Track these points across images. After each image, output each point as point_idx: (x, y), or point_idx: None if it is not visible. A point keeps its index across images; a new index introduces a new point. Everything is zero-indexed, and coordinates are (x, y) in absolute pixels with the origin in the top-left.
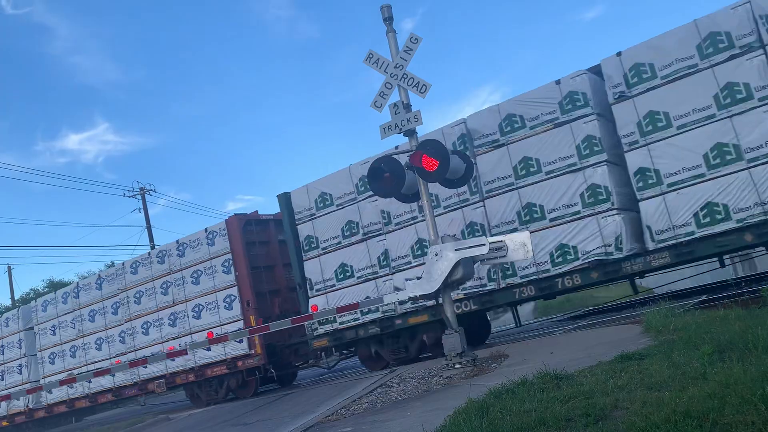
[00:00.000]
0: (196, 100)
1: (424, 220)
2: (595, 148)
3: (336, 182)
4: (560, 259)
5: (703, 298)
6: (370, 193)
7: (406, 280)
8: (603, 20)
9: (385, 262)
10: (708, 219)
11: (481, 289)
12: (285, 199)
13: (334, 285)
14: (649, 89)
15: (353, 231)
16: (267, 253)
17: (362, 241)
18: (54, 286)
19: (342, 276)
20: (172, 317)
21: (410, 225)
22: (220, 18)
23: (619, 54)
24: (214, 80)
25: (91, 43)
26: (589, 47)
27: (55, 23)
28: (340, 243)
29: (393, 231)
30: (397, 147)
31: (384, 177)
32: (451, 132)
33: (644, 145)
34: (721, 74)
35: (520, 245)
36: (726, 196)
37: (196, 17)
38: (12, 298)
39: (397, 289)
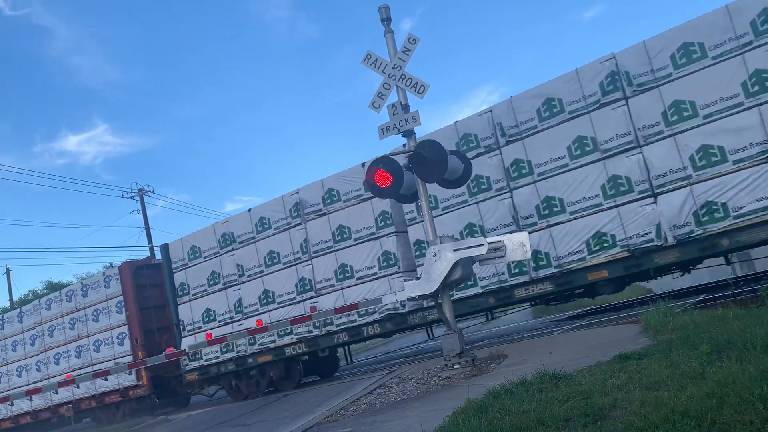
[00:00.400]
0: (196, 100)
1: (271, 274)
2: (388, 222)
3: (204, 237)
4: (363, 312)
5: (702, 297)
6: (231, 248)
7: (405, 281)
8: (602, 20)
9: (239, 309)
10: (471, 282)
11: (309, 333)
12: (164, 249)
13: (201, 327)
14: None
15: (216, 280)
16: (159, 294)
17: (222, 289)
18: (53, 287)
19: (207, 319)
20: (77, 350)
21: (258, 278)
22: (220, 18)
23: (404, 146)
24: (214, 80)
25: (91, 43)
26: (589, 47)
27: (55, 24)
28: (205, 290)
29: (246, 282)
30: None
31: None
32: (289, 200)
33: (420, 222)
34: (473, 167)
35: (518, 245)
36: (475, 267)
37: (196, 17)
38: (11, 299)
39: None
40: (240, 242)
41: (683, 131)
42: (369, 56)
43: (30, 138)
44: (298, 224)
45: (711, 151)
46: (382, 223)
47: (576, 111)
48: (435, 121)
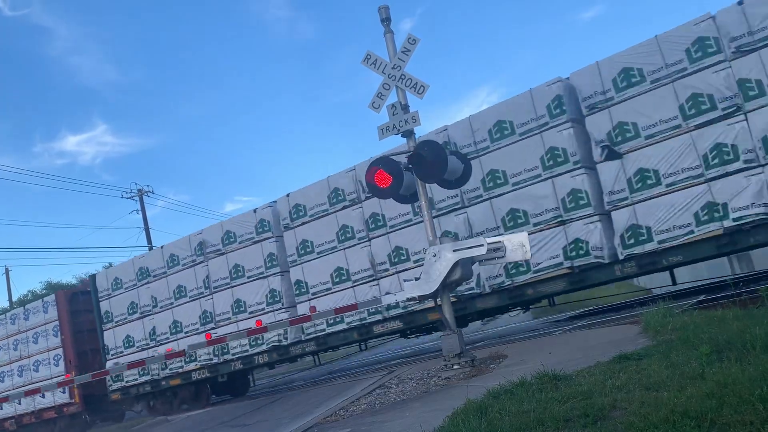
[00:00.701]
0: (196, 100)
1: (179, 306)
2: (274, 262)
3: (125, 270)
4: (254, 343)
5: (702, 298)
6: (146, 281)
7: (405, 281)
8: (602, 20)
9: (153, 336)
10: (338, 319)
11: (210, 360)
12: (92, 279)
13: (122, 352)
14: (302, 224)
15: (134, 310)
16: (92, 319)
17: (140, 318)
18: (52, 287)
19: (127, 345)
20: (19, 369)
21: (169, 309)
22: (220, 18)
23: (288, 195)
24: (214, 81)
25: (90, 43)
26: (589, 47)
27: (54, 24)
28: (126, 319)
29: (159, 312)
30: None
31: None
32: (195, 239)
33: (300, 264)
34: (341, 218)
35: (518, 245)
36: (343, 302)
37: (196, 17)
38: (10, 300)
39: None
40: (154, 276)
41: (497, 196)
42: (369, 56)
43: (30, 138)
44: (201, 262)
45: (517, 214)
46: (270, 264)
47: None
48: (435, 121)
